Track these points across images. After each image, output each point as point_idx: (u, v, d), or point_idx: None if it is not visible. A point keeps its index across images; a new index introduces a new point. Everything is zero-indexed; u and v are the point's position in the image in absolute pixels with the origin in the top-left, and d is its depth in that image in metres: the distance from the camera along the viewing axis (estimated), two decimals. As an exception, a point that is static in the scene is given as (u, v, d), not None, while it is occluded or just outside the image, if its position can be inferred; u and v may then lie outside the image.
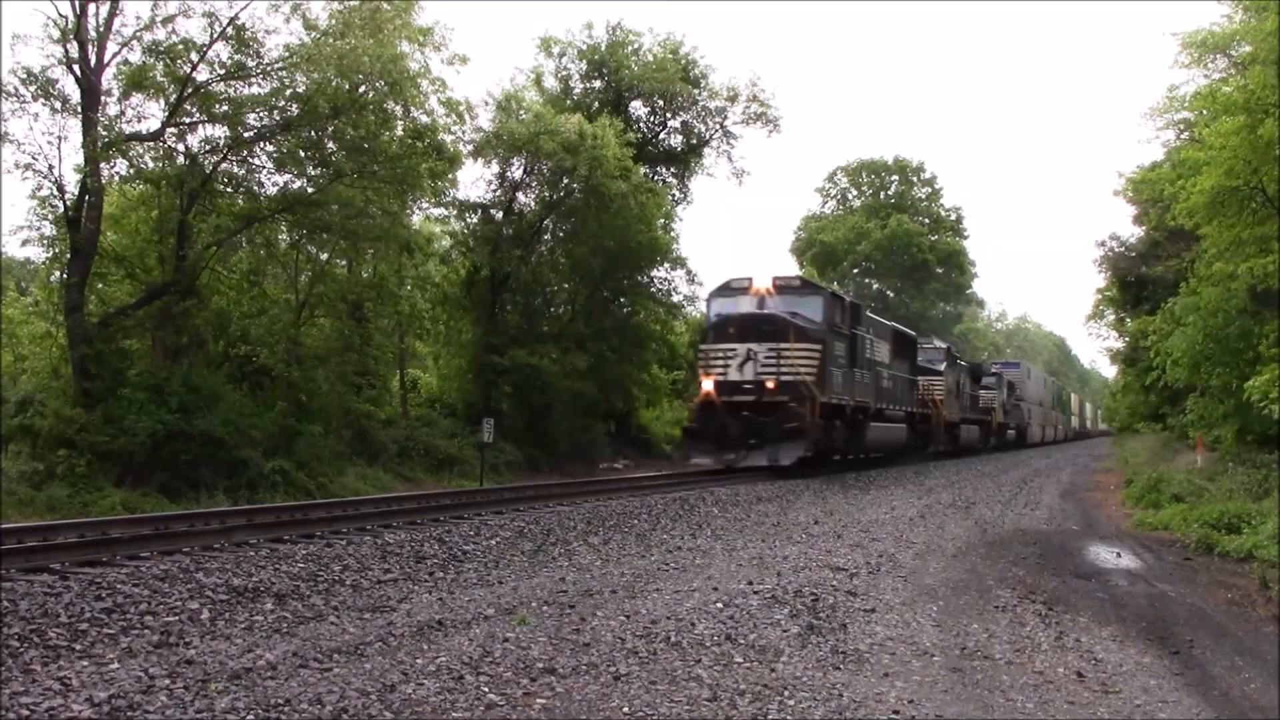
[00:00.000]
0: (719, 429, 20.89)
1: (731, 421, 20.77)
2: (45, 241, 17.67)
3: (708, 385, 21.22)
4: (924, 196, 68.94)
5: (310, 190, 19.28)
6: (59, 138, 16.78)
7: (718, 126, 35.71)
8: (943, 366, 34.74)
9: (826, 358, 21.60)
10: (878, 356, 26.22)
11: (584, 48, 33.54)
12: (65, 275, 16.87)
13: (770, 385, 20.59)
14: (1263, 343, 15.49)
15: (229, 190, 19.01)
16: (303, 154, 19.24)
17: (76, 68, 16.38)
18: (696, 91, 34.19)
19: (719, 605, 7.58)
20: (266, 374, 19.70)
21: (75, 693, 5.01)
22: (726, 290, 23.07)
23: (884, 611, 7.71)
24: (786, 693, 5.50)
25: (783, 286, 22.36)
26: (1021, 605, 8.23)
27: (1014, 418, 50.42)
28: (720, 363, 21.27)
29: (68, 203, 16.68)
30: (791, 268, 58.06)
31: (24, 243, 18.95)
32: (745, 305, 22.02)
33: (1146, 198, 26.52)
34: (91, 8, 16.46)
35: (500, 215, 27.10)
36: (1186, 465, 21.36)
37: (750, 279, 22.50)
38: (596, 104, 32.50)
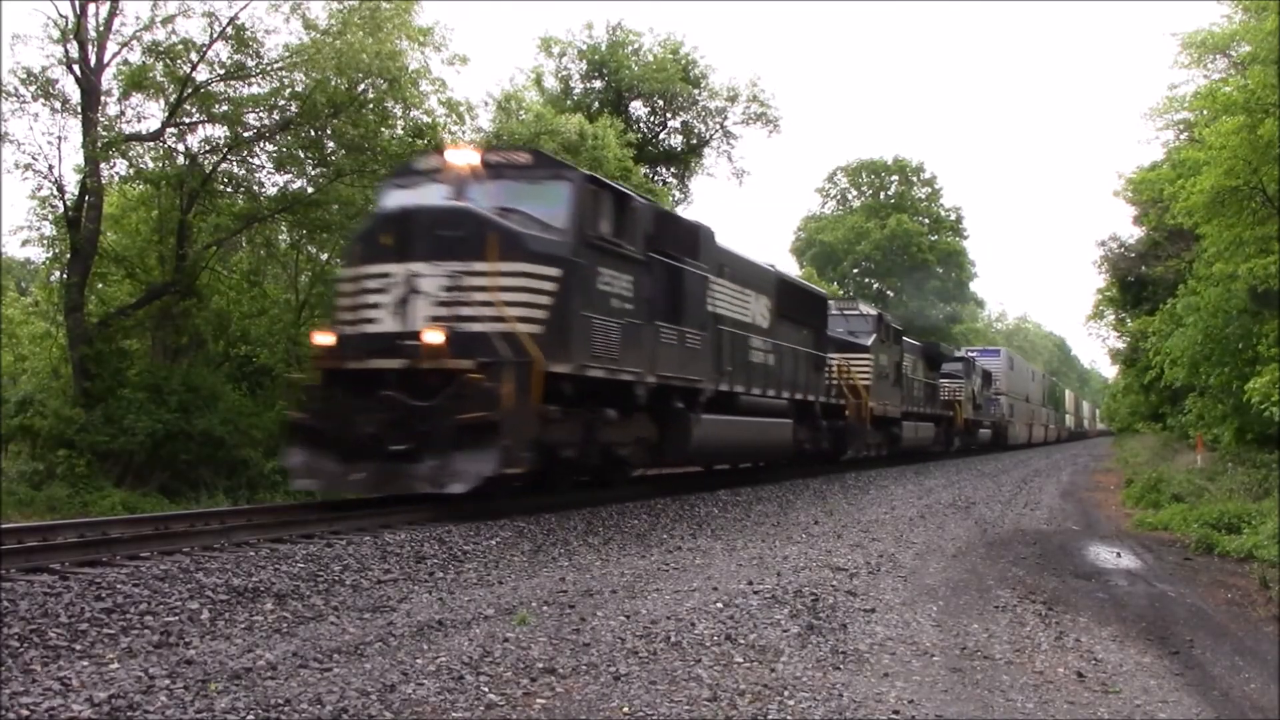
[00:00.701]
0: (339, 422, 11.09)
1: (362, 408, 11.00)
2: (45, 241, 17.73)
3: (325, 340, 11.78)
4: (924, 196, 69.07)
5: (310, 190, 19.29)
6: (59, 138, 16.84)
7: (718, 126, 35.81)
8: (870, 340, 25.95)
9: (574, 293, 11.95)
10: (732, 311, 16.95)
11: (584, 48, 33.62)
12: (65, 275, 16.90)
13: (434, 339, 10.90)
14: (1262, 342, 15.50)
15: (229, 190, 19.03)
16: (302, 153, 19.26)
17: (76, 68, 16.41)
18: (696, 91, 34.25)
19: (719, 605, 7.57)
20: (267, 374, 19.71)
21: (75, 693, 5.01)
22: (405, 175, 13.17)
23: (884, 611, 7.71)
24: (786, 693, 5.50)
25: (500, 165, 12.47)
26: (1021, 605, 8.23)
27: (989, 414, 43.30)
28: (353, 301, 11.75)
29: (68, 203, 16.71)
30: (793, 268, 57.25)
31: (24, 243, 19.04)
32: (428, 196, 12.29)
33: (1146, 198, 26.54)
34: (91, 8, 16.49)
35: (500, 215, 27.07)
36: (1186, 465, 21.39)
37: (443, 154, 12.76)
38: (597, 104, 32.54)
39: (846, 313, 26.79)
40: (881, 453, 27.87)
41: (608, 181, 14.00)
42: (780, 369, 19.16)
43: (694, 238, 15.53)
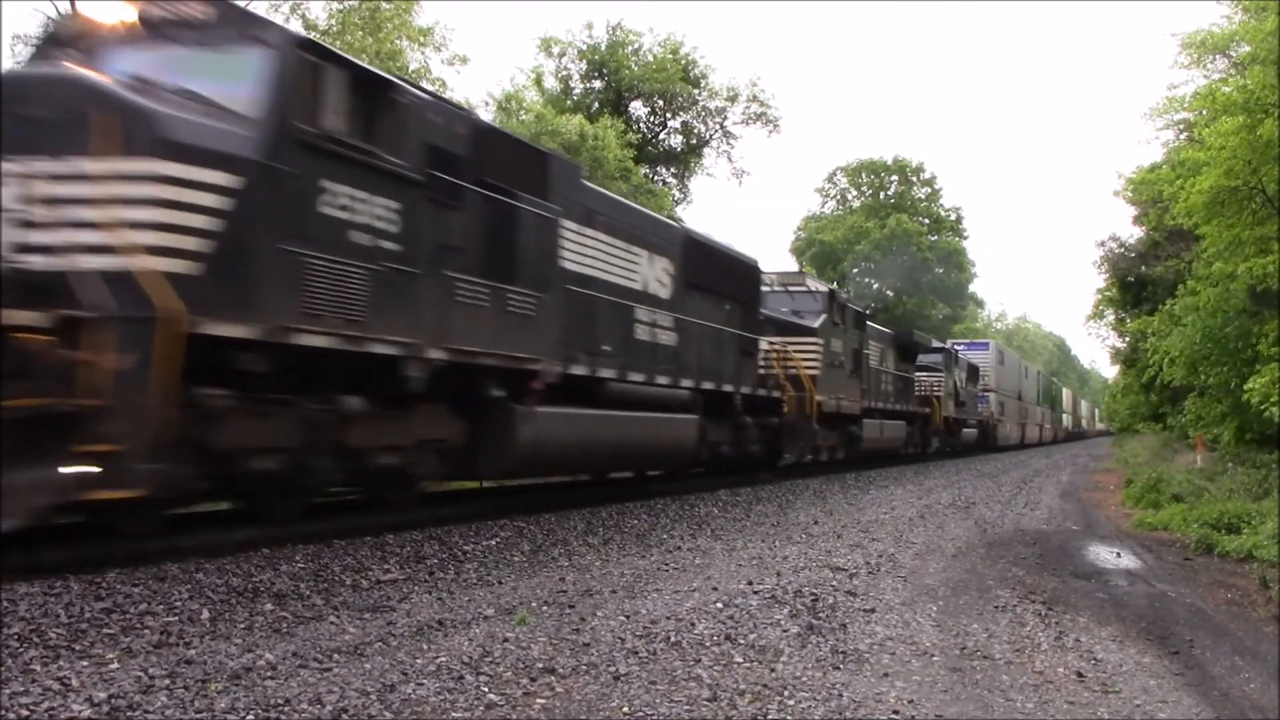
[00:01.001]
0: None
1: None
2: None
3: None
4: (923, 196, 69.17)
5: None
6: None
7: (718, 126, 35.89)
8: (818, 322, 21.88)
9: (266, 215, 8.07)
10: (605, 273, 13.45)
11: (584, 48, 33.69)
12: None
13: None
14: (1261, 342, 15.52)
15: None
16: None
17: (76, 68, 16.40)
18: (696, 91, 34.31)
19: (719, 605, 7.58)
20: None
21: (75, 693, 5.00)
22: (43, 46, 9.21)
23: (884, 611, 7.71)
24: (786, 693, 5.50)
25: (166, 23, 8.57)
26: (1021, 605, 8.23)
27: (974, 412, 40.05)
28: None
29: (67, 203, 16.71)
30: (793, 267, 56.81)
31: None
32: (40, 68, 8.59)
33: (1146, 198, 26.60)
34: (91, 7, 16.48)
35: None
36: (1186, 465, 21.41)
37: (82, 11, 9.66)
38: (597, 104, 32.59)
39: (791, 289, 22.62)
40: (836, 456, 23.78)
41: (347, 56, 9.64)
42: (685, 351, 15.45)
43: (539, 168, 11.77)
